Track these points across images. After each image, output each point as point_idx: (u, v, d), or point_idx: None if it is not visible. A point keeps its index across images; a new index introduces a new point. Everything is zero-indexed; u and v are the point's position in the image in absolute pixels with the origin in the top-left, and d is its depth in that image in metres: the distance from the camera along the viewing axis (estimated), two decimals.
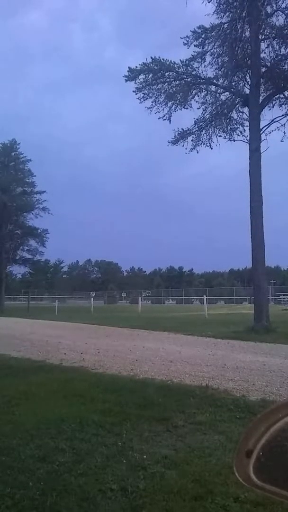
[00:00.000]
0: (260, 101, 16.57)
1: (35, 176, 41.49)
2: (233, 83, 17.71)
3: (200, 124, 18.50)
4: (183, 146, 18.84)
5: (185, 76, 17.67)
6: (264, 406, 4.66)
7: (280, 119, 16.68)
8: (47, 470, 3.21)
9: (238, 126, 18.29)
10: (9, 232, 40.17)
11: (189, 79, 17.71)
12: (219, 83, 17.83)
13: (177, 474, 3.13)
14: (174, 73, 17.58)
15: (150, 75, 17.48)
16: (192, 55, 17.17)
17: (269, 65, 16.91)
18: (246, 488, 0.81)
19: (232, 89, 17.72)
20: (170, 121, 18.18)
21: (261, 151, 16.06)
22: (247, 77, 17.16)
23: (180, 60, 17.40)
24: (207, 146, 18.69)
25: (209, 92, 18.17)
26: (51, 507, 2.67)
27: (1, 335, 14.09)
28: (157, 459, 3.41)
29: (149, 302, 57.45)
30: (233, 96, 17.97)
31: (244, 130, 17.75)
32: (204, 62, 17.24)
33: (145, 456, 3.45)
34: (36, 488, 2.90)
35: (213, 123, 18.46)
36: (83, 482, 3.00)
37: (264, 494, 0.76)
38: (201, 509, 2.65)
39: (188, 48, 17.14)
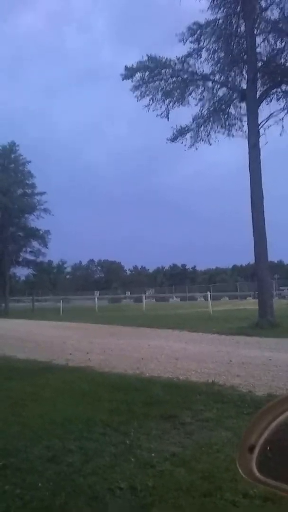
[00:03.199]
0: (258, 95, 16.50)
1: (35, 177, 41.49)
2: (229, 79, 17.64)
3: (198, 120, 18.43)
4: (182, 143, 18.80)
5: (181, 73, 17.62)
6: (271, 401, 4.66)
7: (278, 114, 16.65)
8: (55, 470, 3.22)
9: (236, 121, 18.23)
10: (11, 234, 40.22)
11: (185, 76, 17.66)
12: (215, 79, 17.76)
13: (185, 471, 3.14)
14: (171, 70, 17.54)
15: (147, 73, 17.44)
16: (188, 51, 17.16)
17: (265, 59, 16.85)
18: (253, 483, 0.82)
19: (229, 85, 17.66)
20: (168, 118, 18.15)
21: (260, 146, 16.04)
22: (244, 72, 17.10)
23: (176, 57, 17.39)
24: (206, 142, 18.66)
25: (206, 88, 18.10)
26: (60, 508, 2.68)
27: (7, 336, 14.12)
28: (165, 456, 3.42)
29: (153, 300, 57.37)
30: (230, 92, 17.91)
31: (243, 125, 17.70)
32: (200, 58, 17.21)
33: (153, 454, 3.46)
34: (45, 489, 2.91)
35: (211, 119, 18.38)
36: (92, 482, 3.01)
37: (267, 489, 0.76)
38: (210, 505, 2.65)
39: (183, 45, 17.13)
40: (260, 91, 16.77)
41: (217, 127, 18.42)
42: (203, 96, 18.13)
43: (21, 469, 3.27)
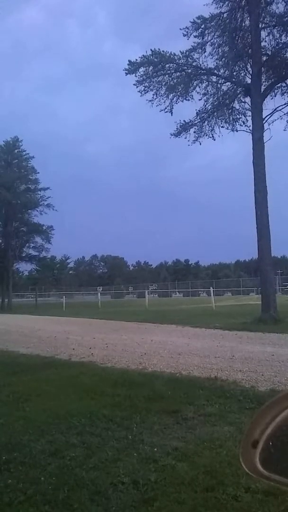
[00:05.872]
0: (262, 90, 16.43)
1: (38, 173, 41.53)
2: (234, 73, 17.56)
3: (202, 115, 18.38)
4: (185, 138, 18.76)
5: (185, 68, 17.54)
6: (274, 396, 4.66)
7: (282, 108, 16.59)
8: (58, 465, 3.23)
9: (240, 116, 18.20)
10: (14, 229, 40.34)
11: (189, 70, 17.58)
12: (220, 73, 17.70)
13: (188, 466, 3.14)
14: (175, 65, 17.47)
15: (151, 68, 17.37)
16: (192, 46, 17.07)
17: (270, 53, 16.76)
18: (255, 478, 0.81)
19: (234, 79, 17.57)
20: (171, 113, 18.10)
21: (265, 141, 15.97)
22: (248, 67, 17.03)
23: (180, 51, 17.30)
24: (210, 137, 18.61)
25: (210, 82, 18.04)
26: (63, 502, 2.69)
27: (10, 332, 14.18)
28: (167, 451, 3.42)
29: (156, 295, 57.47)
30: (235, 86, 17.82)
31: (247, 120, 17.66)
32: (204, 52, 17.16)
33: (155, 449, 3.47)
34: (48, 483, 2.92)
35: (215, 114, 18.32)
36: (95, 476, 3.02)
37: (270, 484, 0.76)
38: (212, 500, 2.65)
39: (188, 39, 17.07)
40: (264, 85, 16.69)
41: (221, 122, 18.37)
42: (207, 91, 18.11)
43: (24, 463, 3.28)
